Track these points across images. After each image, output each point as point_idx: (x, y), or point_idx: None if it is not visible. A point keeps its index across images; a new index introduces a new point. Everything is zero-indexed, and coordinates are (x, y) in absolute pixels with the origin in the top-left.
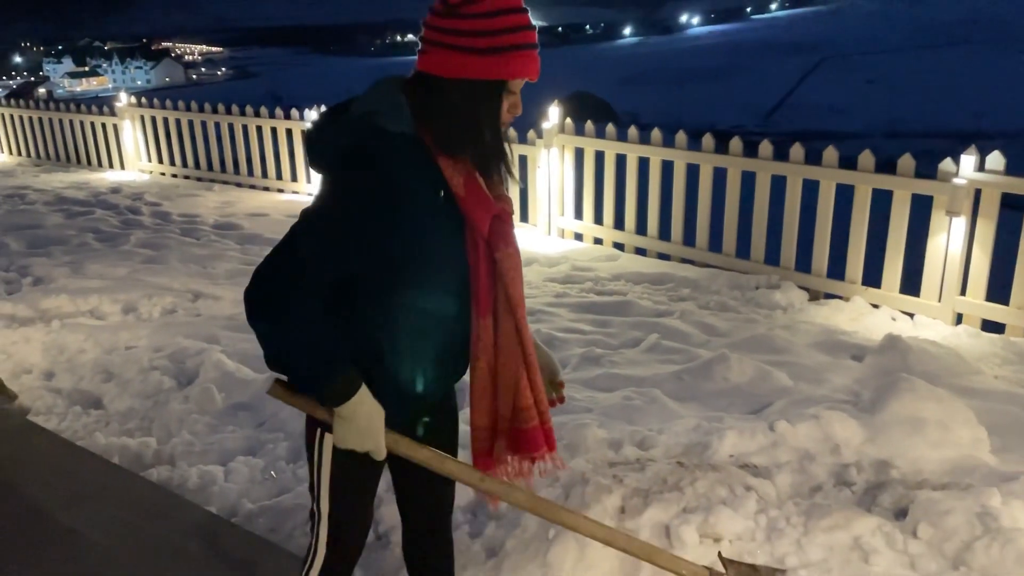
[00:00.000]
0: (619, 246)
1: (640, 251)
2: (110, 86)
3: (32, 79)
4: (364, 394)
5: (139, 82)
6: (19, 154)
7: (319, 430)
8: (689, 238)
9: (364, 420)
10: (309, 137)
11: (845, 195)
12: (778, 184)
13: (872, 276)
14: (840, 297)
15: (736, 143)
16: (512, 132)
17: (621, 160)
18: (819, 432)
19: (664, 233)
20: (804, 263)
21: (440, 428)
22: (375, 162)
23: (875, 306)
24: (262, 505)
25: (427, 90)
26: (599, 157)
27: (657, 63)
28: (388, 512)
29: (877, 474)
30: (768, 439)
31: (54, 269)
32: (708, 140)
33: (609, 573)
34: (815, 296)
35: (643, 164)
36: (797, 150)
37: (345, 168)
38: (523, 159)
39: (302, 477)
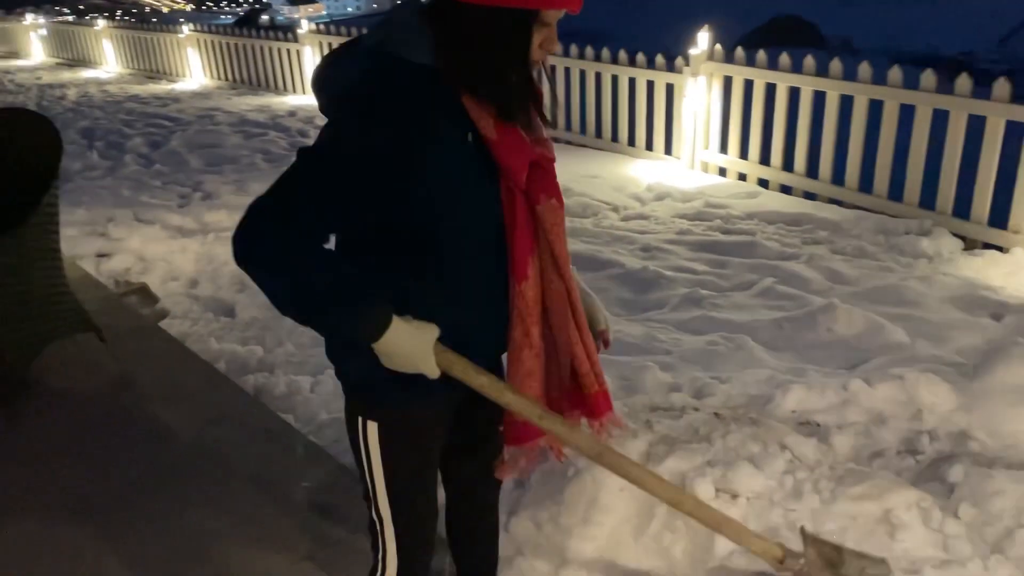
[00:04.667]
0: (764, 183)
1: (785, 189)
2: (324, 12)
3: (257, 6)
4: (399, 322)
5: (349, 8)
6: (217, 78)
7: (359, 419)
8: (838, 177)
9: (407, 345)
10: (317, 72)
11: (1016, 133)
12: (940, 119)
13: None
14: (1000, 248)
15: (896, 73)
16: (659, 59)
17: (771, 90)
18: (901, 394)
19: (812, 170)
20: (963, 208)
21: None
22: (392, 95)
23: None
24: (334, 417)
25: (444, 17)
26: (748, 87)
27: None
28: None
29: (954, 446)
30: (839, 397)
31: (222, 186)
32: (865, 69)
33: (624, 518)
34: (971, 245)
35: (794, 95)
36: (963, 81)
37: (357, 102)
38: (669, 88)
39: None
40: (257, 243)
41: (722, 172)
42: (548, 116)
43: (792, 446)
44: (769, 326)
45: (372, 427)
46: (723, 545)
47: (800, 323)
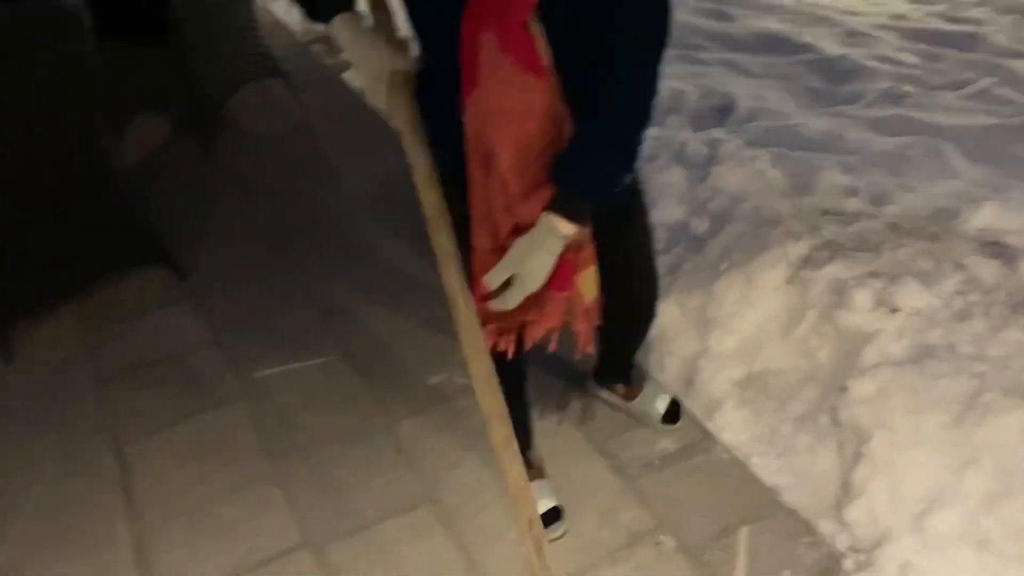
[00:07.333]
0: None
1: None
2: None
3: None
4: (358, 26)
5: None
6: None
7: None
8: None
9: (354, 52)
10: None
11: None
12: None
13: None
14: None
15: None
16: None
17: None
18: None
19: None
20: None
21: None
22: None
23: None
24: None
25: None
26: None
27: None
28: None
29: None
30: None
31: None
32: None
33: (772, 316)
34: None
35: None
36: None
37: None
38: None
39: None
40: None
41: None
42: None
43: (971, 267)
44: (976, 133)
45: None
46: (870, 355)
47: (1014, 133)
